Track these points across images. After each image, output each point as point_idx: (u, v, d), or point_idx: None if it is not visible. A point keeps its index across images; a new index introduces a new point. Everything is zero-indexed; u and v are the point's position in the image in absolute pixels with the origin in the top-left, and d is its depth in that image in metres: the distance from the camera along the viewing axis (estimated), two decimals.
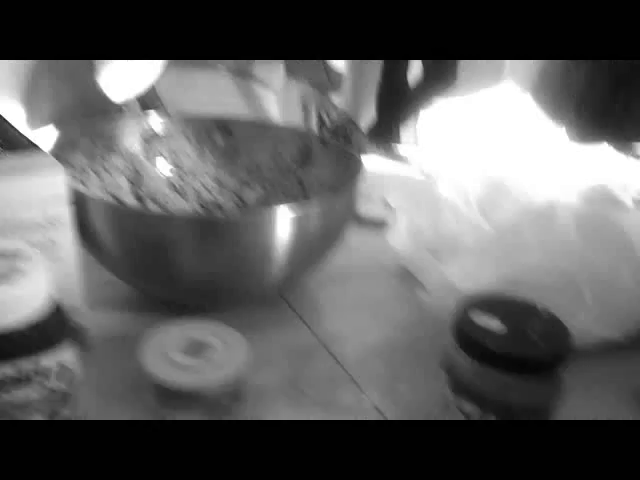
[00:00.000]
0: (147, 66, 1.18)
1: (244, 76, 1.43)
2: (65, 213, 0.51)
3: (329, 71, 1.68)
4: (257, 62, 1.43)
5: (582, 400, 0.53)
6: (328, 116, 1.70)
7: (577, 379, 0.48)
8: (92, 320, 0.59)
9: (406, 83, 2.94)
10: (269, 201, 0.81)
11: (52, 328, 0.41)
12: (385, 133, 2.97)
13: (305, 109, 1.67)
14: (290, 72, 1.58)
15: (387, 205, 0.88)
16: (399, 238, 0.76)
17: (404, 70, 2.94)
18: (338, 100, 1.80)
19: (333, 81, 1.72)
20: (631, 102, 2.38)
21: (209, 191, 0.83)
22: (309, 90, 1.67)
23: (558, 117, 1.15)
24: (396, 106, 3.01)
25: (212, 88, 1.39)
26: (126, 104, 1.16)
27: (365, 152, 1.63)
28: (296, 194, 0.80)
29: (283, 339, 0.65)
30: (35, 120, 1.21)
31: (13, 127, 0.59)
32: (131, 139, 0.78)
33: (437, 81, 2.97)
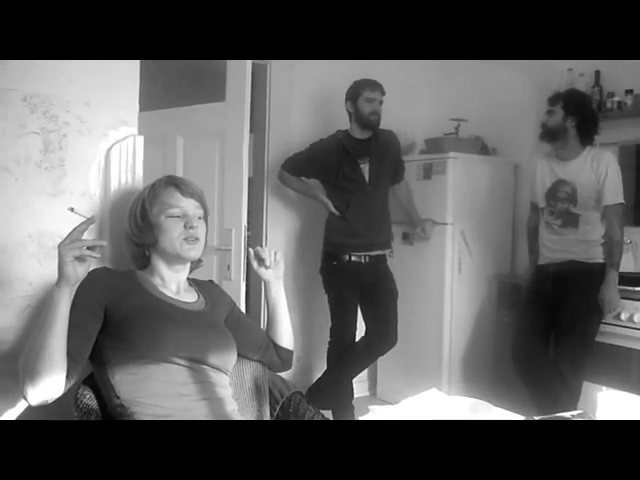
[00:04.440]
0: None
1: (199, 362, 1.52)
2: None
3: (279, 349, 1.80)
4: (211, 350, 1.54)
5: None
6: (280, 392, 1.77)
7: None
8: None
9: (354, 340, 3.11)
10: None
11: None
12: (333, 384, 3.06)
13: (257, 388, 1.76)
14: (241, 354, 1.69)
15: None
16: None
17: (350, 329, 3.13)
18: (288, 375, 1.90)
19: (284, 359, 1.82)
20: None
21: None
22: (261, 369, 1.78)
23: None
24: (348, 363, 3.14)
25: (167, 377, 1.47)
26: None
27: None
28: None
29: None
30: None
31: None
32: None
33: (378, 341, 3.17)
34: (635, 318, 2.70)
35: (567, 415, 1.41)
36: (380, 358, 3.24)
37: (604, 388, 1.35)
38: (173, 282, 1.62)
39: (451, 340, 3.34)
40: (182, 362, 1.48)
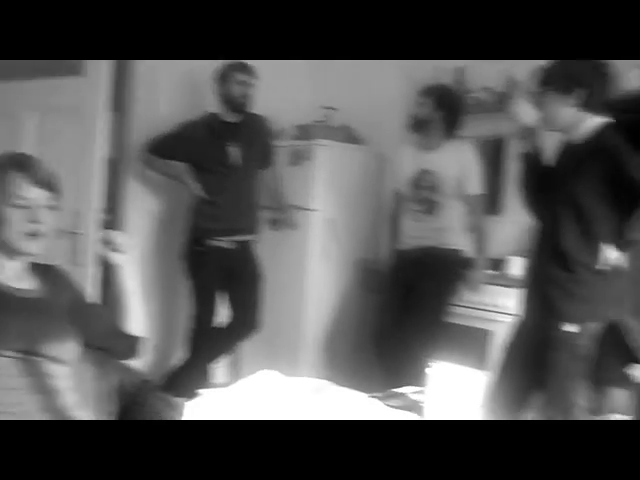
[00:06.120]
0: None
1: (31, 354, 1.43)
2: None
3: (128, 337, 1.73)
4: (45, 340, 1.44)
5: None
6: (129, 381, 1.71)
7: None
8: None
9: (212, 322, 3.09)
10: None
11: None
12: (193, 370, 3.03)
13: (104, 378, 1.68)
14: (87, 343, 1.61)
15: None
16: None
17: (212, 315, 3.12)
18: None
19: (133, 347, 1.76)
20: None
21: None
22: (108, 358, 1.70)
23: None
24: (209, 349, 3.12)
25: None
26: None
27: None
28: None
29: None
30: None
31: None
32: None
33: (242, 326, 3.18)
34: (483, 300, 2.89)
35: (406, 390, 1.47)
36: (244, 343, 3.23)
37: (445, 363, 1.42)
38: (11, 269, 1.50)
39: (316, 325, 3.39)
40: (12, 354, 1.38)
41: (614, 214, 1.81)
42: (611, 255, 1.86)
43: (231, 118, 3.06)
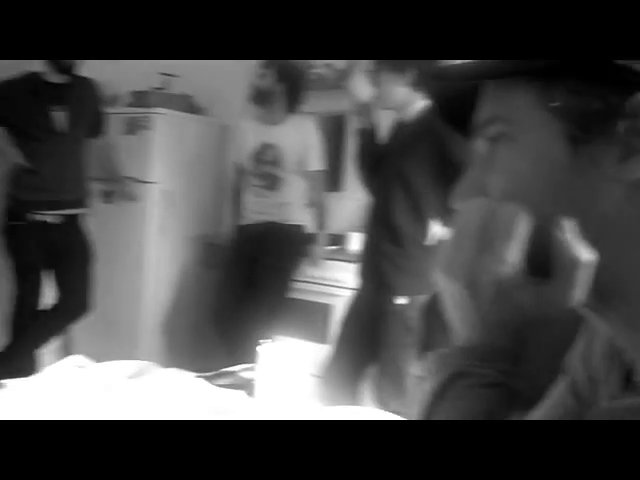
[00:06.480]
0: None
1: None
2: None
3: None
4: None
5: None
6: None
7: None
8: None
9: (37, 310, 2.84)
10: None
11: None
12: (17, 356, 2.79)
13: None
14: None
15: None
16: None
17: (35, 296, 2.88)
18: None
19: None
20: None
21: None
22: None
23: None
24: (34, 333, 2.88)
25: None
26: None
27: None
28: None
29: None
30: None
31: None
32: None
33: (70, 308, 2.96)
34: (324, 275, 2.93)
35: (236, 369, 1.42)
36: (75, 326, 3.01)
37: (280, 339, 1.39)
38: None
39: (154, 304, 3.25)
40: None
41: (440, 191, 1.89)
42: (438, 230, 1.95)
43: (56, 79, 2.79)
